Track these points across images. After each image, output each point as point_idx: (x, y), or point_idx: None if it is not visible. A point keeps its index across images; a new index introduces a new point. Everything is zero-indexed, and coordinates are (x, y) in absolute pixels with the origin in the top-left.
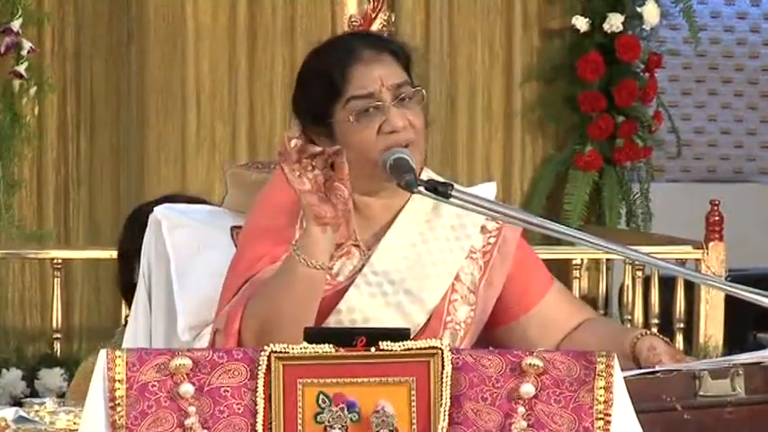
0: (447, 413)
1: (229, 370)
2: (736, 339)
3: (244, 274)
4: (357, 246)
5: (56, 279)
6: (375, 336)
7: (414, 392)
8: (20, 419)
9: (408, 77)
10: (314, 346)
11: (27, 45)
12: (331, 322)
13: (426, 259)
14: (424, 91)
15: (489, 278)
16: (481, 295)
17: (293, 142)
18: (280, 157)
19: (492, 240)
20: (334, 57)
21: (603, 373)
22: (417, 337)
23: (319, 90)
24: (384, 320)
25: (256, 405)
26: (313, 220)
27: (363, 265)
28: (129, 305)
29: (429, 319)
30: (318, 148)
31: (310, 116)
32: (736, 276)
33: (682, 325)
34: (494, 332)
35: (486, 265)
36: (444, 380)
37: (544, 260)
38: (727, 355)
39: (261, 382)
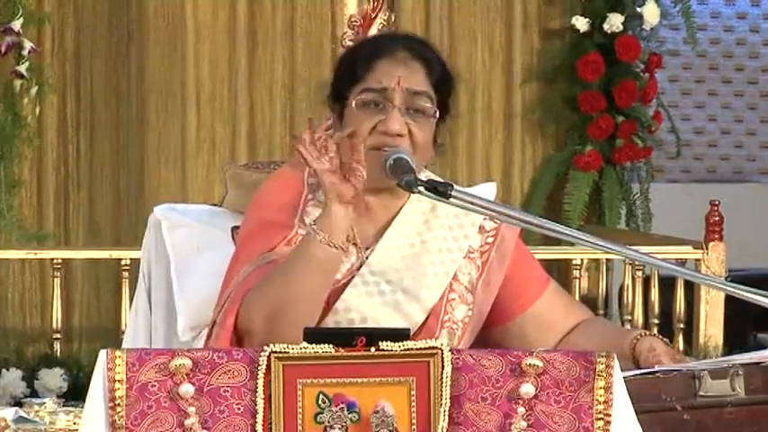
0: (447, 413)
1: (229, 370)
2: (736, 339)
3: (245, 267)
4: (355, 245)
5: (56, 279)
6: (375, 336)
7: (414, 392)
8: (20, 419)
9: (434, 93)
10: (314, 346)
11: (28, 45)
12: (329, 322)
13: (425, 259)
14: (437, 112)
15: (487, 278)
16: (479, 295)
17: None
18: (294, 140)
19: (490, 240)
20: (371, 46)
21: (603, 374)
22: (414, 337)
23: (345, 71)
24: (382, 320)
25: (256, 405)
26: (335, 199)
27: (361, 265)
28: None
29: (426, 319)
30: (328, 122)
31: (333, 93)
32: (736, 276)
33: (682, 325)
34: (491, 332)
35: (484, 264)
36: (444, 380)
37: (544, 260)
38: (727, 355)
39: (261, 382)
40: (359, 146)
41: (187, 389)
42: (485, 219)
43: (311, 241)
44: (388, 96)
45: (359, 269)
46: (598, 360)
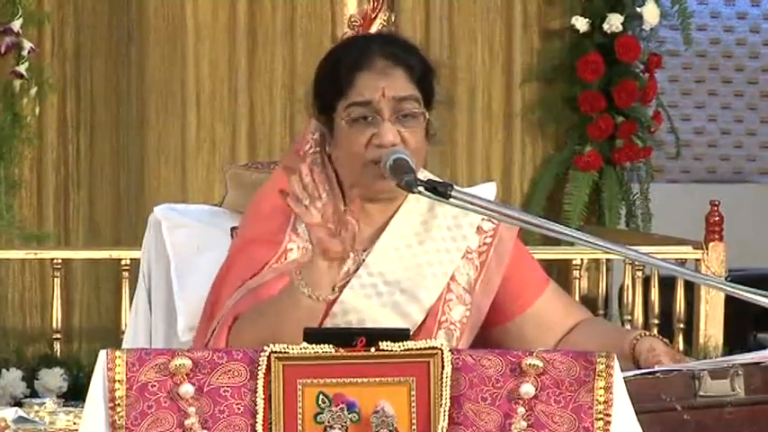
0: (447, 413)
1: (229, 370)
2: (736, 339)
3: (234, 286)
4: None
5: (56, 279)
6: (375, 336)
7: (414, 392)
8: (20, 419)
9: (420, 93)
10: (314, 346)
11: (27, 45)
12: (327, 324)
13: (422, 259)
14: (426, 113)
15: (485, 278)
16: (477, 295)
17: (304, 172)
18: (282, 194)
19: (488, 240)
20: (350, 56)
21: (603, 374)
22: (412, 337)
23: (328, 85)
24: (381, 320)
25: (256, 405)
26: (321, 255)
27: (358, 267)
28: None
29: (425, 319)
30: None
31: (319, 104)
32: (736, 276)
33: (682, 325)
34: (490, 332)
35: (482, 265)
36: (444, 380)
37: (544, 260)
38: (727, 355)
39: (261, 382)
40: (356, 199)
41: (187, 389)
42: (483, 219)
43: (297, 289)
44: (376, 109)
45: (356, 272)
46: (598, 360)
